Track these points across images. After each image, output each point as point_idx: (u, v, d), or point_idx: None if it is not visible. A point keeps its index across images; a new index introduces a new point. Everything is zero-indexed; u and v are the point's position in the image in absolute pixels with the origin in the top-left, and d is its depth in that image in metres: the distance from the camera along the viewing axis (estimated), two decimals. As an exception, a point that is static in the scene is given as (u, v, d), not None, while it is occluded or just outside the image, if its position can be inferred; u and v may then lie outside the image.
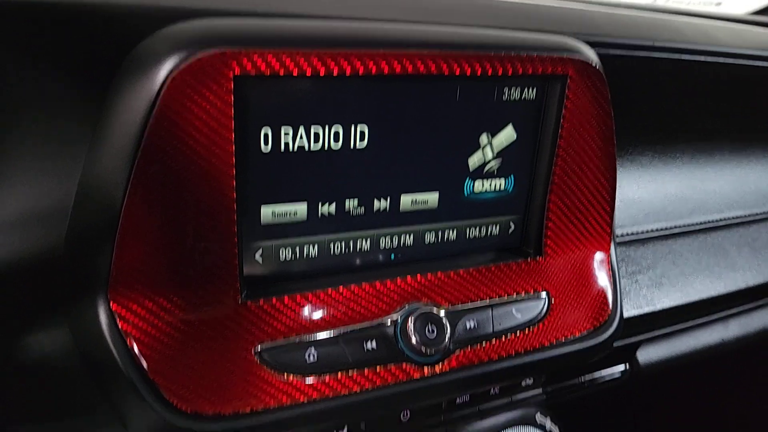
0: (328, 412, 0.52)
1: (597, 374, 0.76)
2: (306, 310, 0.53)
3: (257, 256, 0.53)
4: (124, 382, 0.46)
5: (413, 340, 0.55)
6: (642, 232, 0.79)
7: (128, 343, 0.46)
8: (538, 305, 0.63)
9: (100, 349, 0.46)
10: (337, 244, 0.57)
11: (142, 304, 0.46)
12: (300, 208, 0.54)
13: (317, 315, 0.53)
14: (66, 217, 0.47)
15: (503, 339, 0.60)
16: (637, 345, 0.78)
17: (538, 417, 0.75)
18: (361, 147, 0.54)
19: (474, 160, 0.60)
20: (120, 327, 0.46)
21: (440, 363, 0.56)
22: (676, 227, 0.82)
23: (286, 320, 0.52)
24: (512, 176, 0.63)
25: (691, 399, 1.49)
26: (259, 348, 0.51)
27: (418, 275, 0.59)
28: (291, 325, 0.52)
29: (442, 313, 0.57)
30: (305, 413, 0.51)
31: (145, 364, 0.46)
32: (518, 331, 0.61)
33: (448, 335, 0.56)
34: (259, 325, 0.51)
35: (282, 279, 0.55)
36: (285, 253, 0.55)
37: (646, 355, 0.84)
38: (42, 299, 0.47)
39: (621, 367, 0.78)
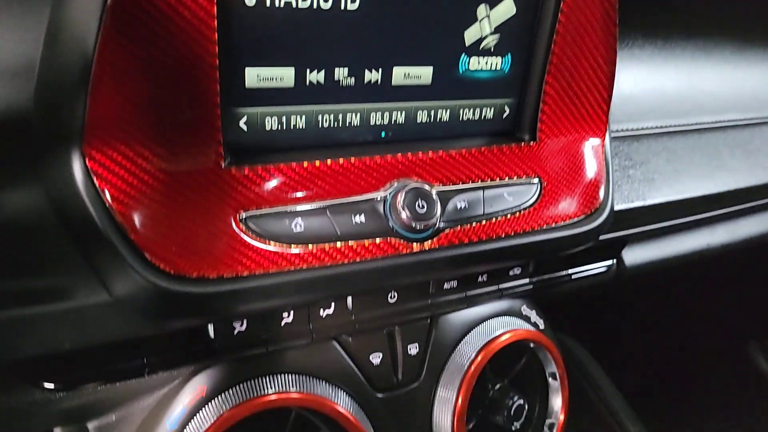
0: (315, 282, 0.51)
1: (583, 268, 0.76)
2: (292, 181, 0.51)
3: (242, 123, 0.51)
4: (103, 242, 0.44)
5: (403, 216, 0.53)
6: (637, 129, 0.77)
7: (105, 201, 0.44)
8: (529, 190, 0.62)
9: (75, 207, 0.44)
10: (326, 116, 0.54)
11: (119, 161, 0.44)
12: (287, 73, 0.51)
13: (304, 186, 0.51)
14: (35, 70, 0.44)
15: (494, 221, 0.59)
16: (623, 242, 0.78)
17: (524, 309, 0.76)
18: (352, 8, 0.50)
19: (470, 34, 0.57)
20: (96, 184, 0.44)
21: (430, 240, 0.55)
22: (671, 126, 0.80)
23: (271, 189, 0.50)
24: (509, 55, 0.60)
25: (672, 302, 1.53)
26: (243, 215, 0.49)
27: (409, 153, 0.57)
28: (276, 194, 0.50)
29: (434, 191, 0.55)
30: (291, 282, 0.50)
31: (124, 223, 0.44)
32: (509, 214, 0.60)
33: (438, 212, 0.55)
34: (243, 192, 0.49)
35: (268, 150, 0.52)
36: (271, 123, 0.52)
37: (632, 256, 0.84)
38: (12, 157, 0.45)
39: (607, 263, 0.78)
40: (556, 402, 0.75)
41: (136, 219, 0.44)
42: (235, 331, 0.56)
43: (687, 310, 1.65)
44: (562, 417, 0.74)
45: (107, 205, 0.44)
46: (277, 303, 0.53)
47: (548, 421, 0.75)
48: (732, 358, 1.79)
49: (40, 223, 0.45)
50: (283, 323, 0.58)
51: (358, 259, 0.52)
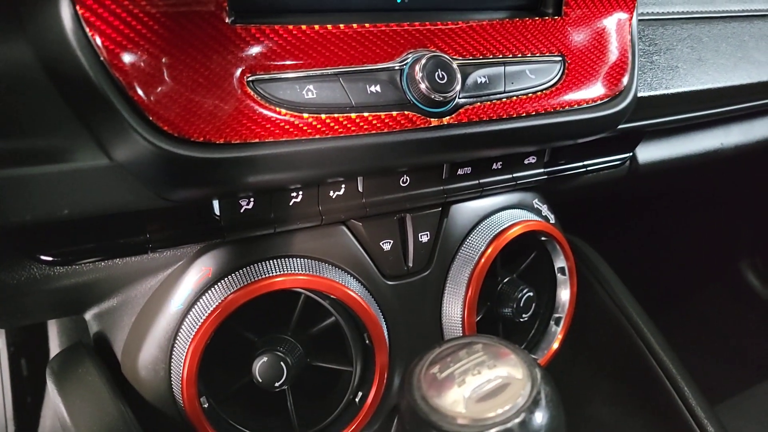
0: (327, 154, 0.48)
1: (598, 160, 0.73)
2: (302, 44, 0.47)
3: (246, -25, 0.46)
4: (100, 100, 0.40)
5: (422, 86, 0.49)
6: (663, 13, 0.73)
7: (99, 52, 0.40)
8: (552, 68, 0.58)
9: (67, 61, 0.40)
10: (339, -23, 0.49)
11: (112, 8, 0.39)
12: None
13: (315, 51, 0.47)
14: None
15: (514, 99, 0.56)
16: (640, 134, 0.75)
17: (536, 202, 0.73)
18: None
19: None
20: (88, 33, 0.39)
21: (448, 116, 0.52)
22: (697, 12, 0.76)
23: (280, 51, 0.46)
24: None
25: (676, 211, 1.53)
26: (251, 78, 0.45)
27: (427, 23, 0.52)
28: (285, 57, 0.46)
29: (454, 63, 0.51)
30: (302, 152, 0.46)
31: (121, 79, 0.40)
32: (530, 93, 0.57)
33: (458, 85, 0.51)
34: (250, 52, 0.45)
35: (278, 10, 0.48)
36: (279, -21, 0.47)
37: (646, 153, 0.82)
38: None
39: (622, 156, 0.75)
40: (564, 296, 0.74)
41: (134, 74, 0.40)
42: (242, 209, 0.53)
43: (688, 220, 1.65)
44: (568, 310, 0.74)
45: (101, 57, 0.40)
46: (287, 176, 0.49)
47: (555, 315, 0.75)
48: (725, 273, 1.82)
49: (31, 79, 0.41)
50: (291, 203, 0.55)
51: (373, 132, 0.49)
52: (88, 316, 0.62)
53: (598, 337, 0.77)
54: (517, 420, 0.34)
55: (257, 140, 0.45)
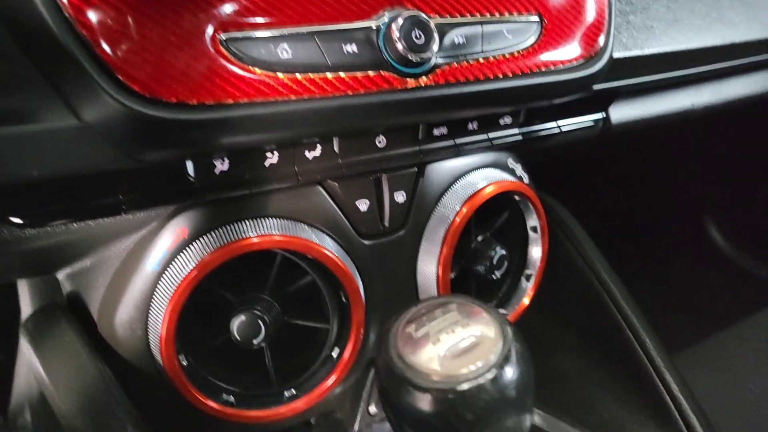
0: (303, 115, 0.47)
1: (572, 120, 0.74)
2: (275, 0, 0.46)
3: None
4: (66, 58, 0.39)
5: (399, 46, 0.49)
6: (640, -28, 0.72)
7: (64, 9, 0.38)
8: (529, 28, 0.58)
9: (30, 17, 0.38)
10: (312, -71, 0.48)
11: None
12: None
13: (289, 7, 0.46)
14: None
15: (491, 60, 0.55)
16: (614, 94, 0.75)
17: (510, 162, 0.74)
18: None
19: None
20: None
21: (425, 76, 0.52)
22: (674, -29, 0.76)
23: (252, 8, 0.45)
24: None
25: (645, 169, 1.56)
26: (223, 37, 0.44)
27: (404, -21, 0.51)
28: (258, 13, 0.45)
29: (432, 22, 0.51)
30: (278, 114, 0.46)
31: (87, 36, 0.39)
32: (507, 54, 0.57)
33: (435, 45, 0.51)
34: (222, 9, 0.44)
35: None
36: (250, -69, 0.46)
37: (619, 113, 0.82)
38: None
39: (596, 116, 0.76)
40: (535, 253, 0.76)
41: (101, 31, 0.39)
42: (217, 170, 0.53)
43: (657, 179, 1.69)
44: (539, 268, 0.76)
45: (66, 13, 0.38)
46: (262, 137, 0.49)
47: (527, 272, 0.77)
48: (691, 230, 1.87)
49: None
50: (267, 164, 0.55)
51: (350, 93, 0.48)
52: (61, 275, 0.61)
53: (567, 293, 0.80)
54: (489, 376, 0.35)
55: (231, 101, 0.44)
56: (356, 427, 0.66)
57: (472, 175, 0.69)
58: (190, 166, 0.52)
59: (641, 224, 1.80)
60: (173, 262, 0.54)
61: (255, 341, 0.56)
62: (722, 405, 1.01)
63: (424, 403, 0.35)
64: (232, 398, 0.59)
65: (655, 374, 0.68)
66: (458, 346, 0.37)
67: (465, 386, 0.35)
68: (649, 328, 0.72)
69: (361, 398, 0.68)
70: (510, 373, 0.36)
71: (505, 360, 0.36)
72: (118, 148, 0.45)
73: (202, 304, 0.58)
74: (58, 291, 0.62)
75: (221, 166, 0.53)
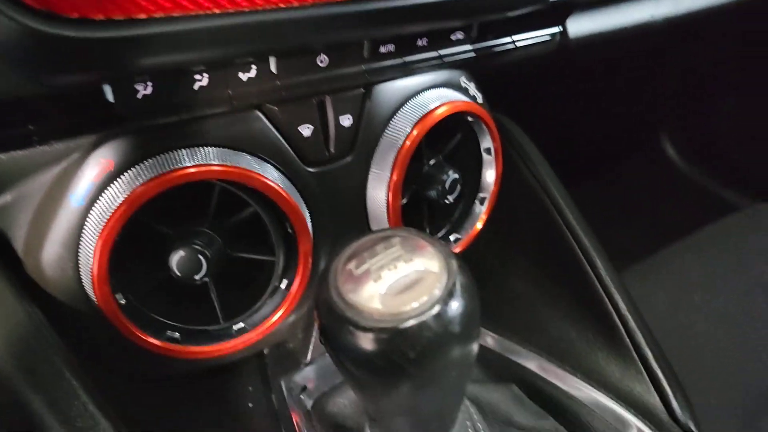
0: (228, 31, 0.43)
1: (528, 35, 0.70)
2: None
3: None
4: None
5: (334, -49, 0.44)
6: None
7: None
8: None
9: None
10: None
11: None
12: None
13: None
14: None
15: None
16: (571, 6, 0.71)
17: (463, 80, 0.71)
18: None
19: None
20: None
21: (367, -14, 0.47)
22: None
23: None
24: None
25: (602, 87, 1.55)
26: (131, -61, 0.38)
27: None
28: None
29: None
30: (199, 30, 0.41)
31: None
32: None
33: (377, -50, 0.46)
34: None
35: None
36: None
37: (576, 27, 0.79)
38: None
39: (553, 30, 0.73)
40: (489, 176, 0.74)
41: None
42: (139, 95, 0.48)
43: (613, 95, 1.68)
44: (493, 190, 0.74)
45: None
46: (185, 57, 0.44)
47: (480, 195, 0.75)
48: (646, 146, 1.89)
49: None
50: (196, 87, 0.50)
51: (282, 5, 0.43)
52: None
53: (520, 215, 0.79)
54: (432, 312, 0.34)
55: (144, 15, 0.39)
56: (309, 356, 0.66)
57: (423, 96, 0.65)
58: (108, 90, 0.47)
59: (597, 143, 1.81)
60: (101, 197, 0.50)
61: (196, 277, 0.54)
62: (669, 319, 1.05)
63: (366, 342, 0.34)
64: (177, 335, 0.57)
65: (605, 295, 0.69)
66: (400, 282, 0.35)
67: (407, 324, 0.33)
68: (600, 250, 0.73)
69: (314, 327, 0.67)
70: (454, 308, 0.35)
71: (449, 295, 0.35)
72: (20, 72, 0.40)
73: (139, 240, 0.55)
74: None
75: (144, 90, 0.48)
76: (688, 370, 0.99)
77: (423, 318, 0.34)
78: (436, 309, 0.34)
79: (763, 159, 1.64)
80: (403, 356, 0.34)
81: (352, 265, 0.37)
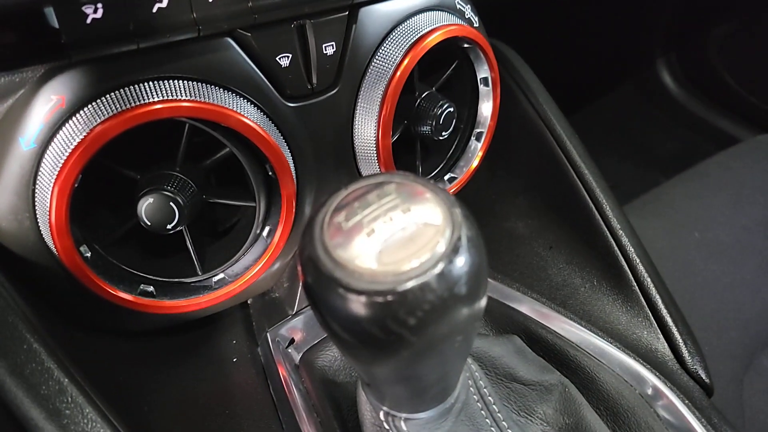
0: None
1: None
2: None
3: None
4: None
5: None
6: None
7: None
8: None
9: None
10: None
11: None
12: None
13: None
14: None
15: None
16: None
17: (459, 2, 0.64)
18: None
19: None
20: None
21: None
22: None
23: None
24: None
25: (607, 5, 1.46)
26: None
27: None
28: None
29: None
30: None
31: None
32: None
33: None
34: None
35: None
36: None
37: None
38: None
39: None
40: (486, 109, 0.69)
41: None
42: (88, 19, 0.41)
43: (609, 19, 1.60)
44: (490, 125, 0.69)
45: None
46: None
47: (476, 130, 0.70)
48: (640, 71, 1.82)
49: None
50: (155, 9, 0.43)
51: None
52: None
53: (518, 150, 0.74)
54: (435, 271, 0.29)
55: None
56: (296, 306, 0.62)
57: (415, 20, 0.59)
58: (50, 13, 0.40)
59: (593, 71, 1.74)
60: (54, 138, 0.44)
61: (169, 226, 0.49)
62: (668, 257, 1.02)
63: (358, 307, 0.29)
64: (151, 288, 0.53)
65: (611, 236, 0.65)
66: (397, 236, 0.30)
67: (407, 286, 0.29)
68: (606, 188, 0.68)
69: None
70: (460, 265, 0.30)
71: (454, 251, 0.30)
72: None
73: (103, 186, 0.49)
74: None
75: (93, 13, 0.41)
76: (687, 308, 0.98)
77: (425, 278, 0.29)
78: (440, 267, 0.29)
79: (763, 88, 1.58)
80: (402, 323, 0.29)
81: (340, 217, 0.32)
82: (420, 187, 0.33)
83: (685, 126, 1.73)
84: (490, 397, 0.46)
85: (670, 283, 0.93)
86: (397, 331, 0.29)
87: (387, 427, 0.42)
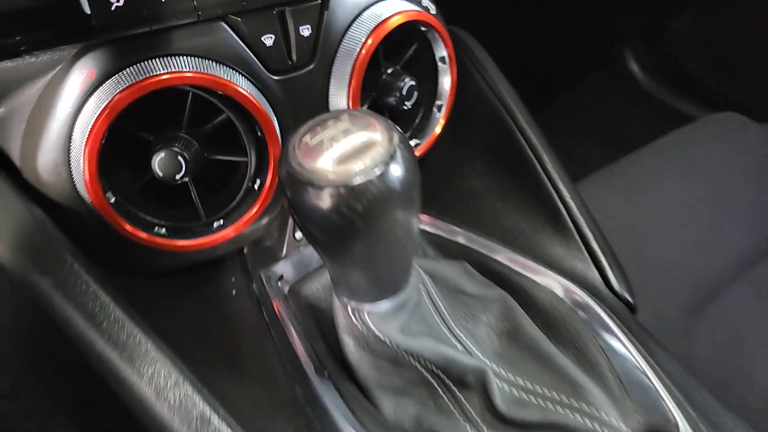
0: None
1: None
2: None
3: None
4: None
5: None
6: None
7: None
8: None
9: None
10: None
11: None
12: None
13: None
14: None
15: None
16: None
17: (416, -8, 0.75)
18: None
19: None
20: None
21: None
22: None
23: None
24: None
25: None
26: None
27: None
28: None
29: None
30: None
31: None
32: None
33: None
34: None
35: None
36: None
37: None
38: None
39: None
40: (445, 84, 0.80)
41: None
42: (113, 7, 0.53)
43: (574, 9, 1.71)
44: (449, 97, 0.80)
45: None
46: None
47: (437, 102, 0.81)
48: (608, 61, 1.94)
49: None
50: (164, -1, 0.55)
51: None
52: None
53: (475, 120, 0.85)
54: (376, 172, 0.41)
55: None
56: (284, 251, 0.73)
57: (378, 6, 0.70)
58: (84, 2, 0.52)
59: (563, 60, 1.86)
60: (86, 104, 0.56)
61: (177, 176, 0.60)
62: (621, 220, 1.14)
63: (322, 199, 0.41)
64: (164, 230, 0.64)
65: (551, 187, 0.76)
66: (349, 149, 0.42)
67: (354, 181, 0.40)
68: (548, 147, 0.79)
69: (287, 227, 0.74)
70: (395, 170, 0.41)
71: (390, 158, 0.41)
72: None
73: (124, 146, 0.61)
74: None
75: (117, 2, 0.53)
76: (639, 266, 1.09)
77: (368, 176, 0.40)
78: (380, 169, 0.41)
79: (717, 72, 1.71)
80: (352, 209, 0.41)
81: (307, 138, 0.43)
82: (368, 117, 0.45)
83: (650, 110, 1.85)
84: (440, 302, 0.58)
85: (625, 244, 1.05)
86: (348, 216, 0.41)
87: (354, 321, 0.53)
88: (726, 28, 1.70)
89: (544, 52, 1.76)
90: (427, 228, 0.76)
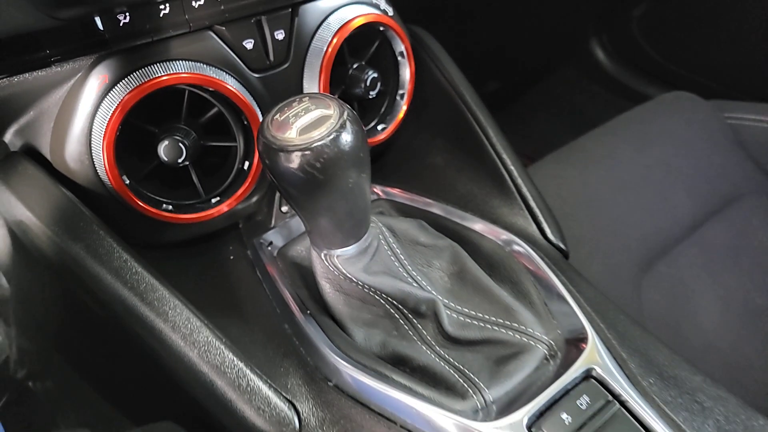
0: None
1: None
2: None
3: None
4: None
5: None
6: None
7: None
8: None
9: None
10: None
11: None
12: None
13: None
14: None
15: None
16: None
17: (374, -2, 0.88)
18: None
19: None
20: None
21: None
22: None
23: None
24: None
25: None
26: None
27: None
28: None
29: None
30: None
31: None
32: None
33: None
34: None
35: None
36: None
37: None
38: None
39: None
40: (405, 75, 0.93)
41: None
42: (121, 23, 0.66)
43: (550, 11, 1.84)
44: (409, 87, 0.93)
45: None
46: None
47: (400, 92, 0.94)
48: (576, 53, 2.07)
49: None
50: (161, 15, 0.68)
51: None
52: (8, 136, 0.75)
53: (434, 108, 0.98)
54: (330, 137, 0.53)
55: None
56: (272, 222, 0.86)
57: (341, 11, 0.84)
58: (98, 21, 0.65)
59: (529, 50, 1.98)
60: (102, 104, 0.69)
61: (179, 160, 0.73)
62: (577, 190, 1.26)
63: (291, 161, 0.54)
64: (170, 207, 0.77)
65: (497, 158, 0.89)
66: (309, 121, 0.55)
67: (314, 145, 0.53)
68: (495, 126, 0.92)
69: (274, 202, 0.87)
70: (345, 136, 0.54)
71: (341, 127, 0.54)
72: (37, 7, 0.58)
73: (134, 138, 0.74)
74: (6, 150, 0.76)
75: (124, 19, 0.66)
76: (592, 230, 1.22)
77: (324, 141, 0.53)
78: (333, 135, 0.54)
79: (676, 55, 1.84)
80: (313, 167, 0.54)
81: (277, 116, 0.56)
82: (325, 99, 0.58)
83: (615, 93, 1.98)
84: (397, 250, 0.71)
85: (582, 210, 1.17)
86: (311, 171, 0.54)
87: (327, 264, 0.66)
88: (683, 14, 1.83)
89: (522, 47, 1.89)
90: (395, 198, 0.89)
